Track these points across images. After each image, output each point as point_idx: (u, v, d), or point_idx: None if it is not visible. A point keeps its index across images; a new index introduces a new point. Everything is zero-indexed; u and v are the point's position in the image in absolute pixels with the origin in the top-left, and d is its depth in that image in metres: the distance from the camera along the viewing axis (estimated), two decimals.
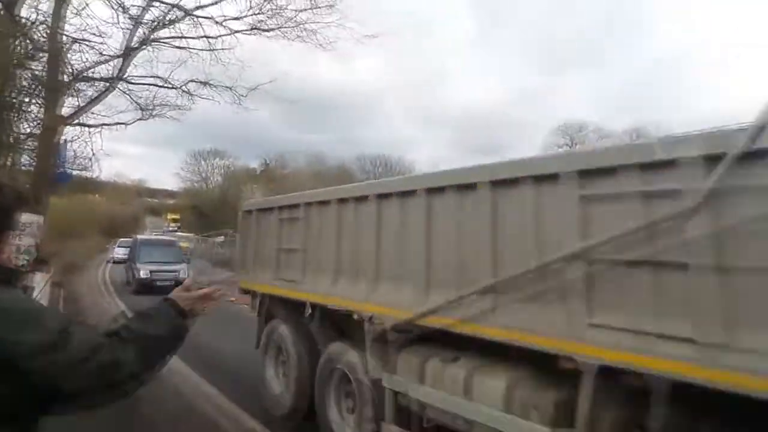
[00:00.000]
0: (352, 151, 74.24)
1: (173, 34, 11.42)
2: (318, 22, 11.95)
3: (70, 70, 10.04)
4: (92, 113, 11.02)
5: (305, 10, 11.75)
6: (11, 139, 9.03)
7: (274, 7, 11.57)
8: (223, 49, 11.45)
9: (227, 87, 11.98)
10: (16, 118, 9.16)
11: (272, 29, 11.82)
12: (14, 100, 8.87)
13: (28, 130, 10.09)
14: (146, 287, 16.52)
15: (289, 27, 11.84)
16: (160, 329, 1.41)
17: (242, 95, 12.16)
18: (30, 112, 9.76)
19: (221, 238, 36.06)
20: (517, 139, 75.95)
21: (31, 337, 1.18)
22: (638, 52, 63.08)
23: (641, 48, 62.05)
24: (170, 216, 59.39)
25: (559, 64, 72.13)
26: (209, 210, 56.39)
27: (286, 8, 11.64)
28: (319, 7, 11.77)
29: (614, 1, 68.30)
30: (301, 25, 11.89)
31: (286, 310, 5.84)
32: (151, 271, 17.50)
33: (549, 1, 71.33)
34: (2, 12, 7.88)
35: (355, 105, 78.47)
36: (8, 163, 9.46)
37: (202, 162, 59.49)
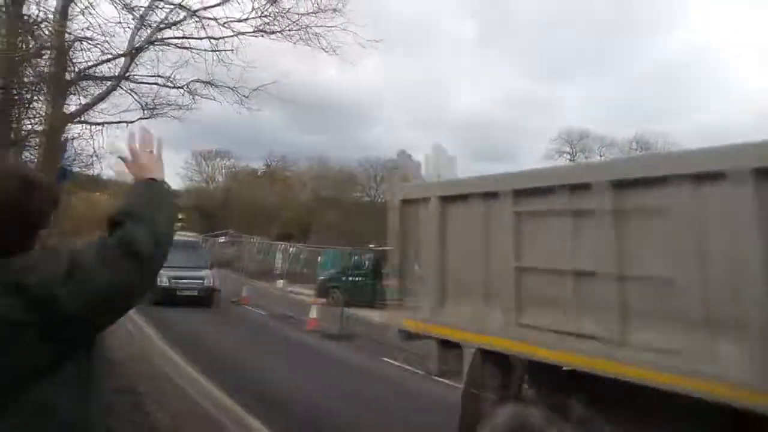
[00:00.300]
0: (355, 153, 74.03)
1: (177, 35, 11.45)
2: (322, 26, 11.97)
3: (75, 68, 10.08)
4: (96, 111, 11.07)
5: (310, 13, 11.78)
6: (16, 136, 9.06)
7: (278, 10, 11.60)
8: (226, 50, 11.48)
9: (230, 87, 12.01)
10: (23, 116, 9.21)
11: (276, 32, 11.84)
12: (19, 97, 8.91)
13: (32, 127, 10.14)
14: (167, 297, 14.71)
15: (293, 30, 11.86)
16: (144, 199, 1.46)
17: (245, 96, 12.19)
18: (34, 108, 9.80)
19: (223, 239, 36.10)
20: (519, 145, 76.02)
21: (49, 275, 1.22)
22: (643, 59, 63.09)
23: (647, 54, 62.04)
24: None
25: (563, 70, 72.10)
26: (212, 210, 56.47)
27: (290, 11, 11.67)
28: (324, 11, 11.80)
29: (619, 9, 68.31)
30: (306, 29, 11.91)
31: (543, 384, 3.52)
32: (172, 279, 15.26)
33: (554, 7, 71.26)
34: (10, 8, 7.90)
35: (358, 107, 78.47)
36: None
37: (204, 162, 59.61)
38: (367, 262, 21.25)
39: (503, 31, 73.28)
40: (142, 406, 6.48)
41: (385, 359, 10.88)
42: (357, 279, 19.96)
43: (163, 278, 14.88)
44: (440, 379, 9.54)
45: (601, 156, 52.10)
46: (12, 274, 1.21)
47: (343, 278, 19.44)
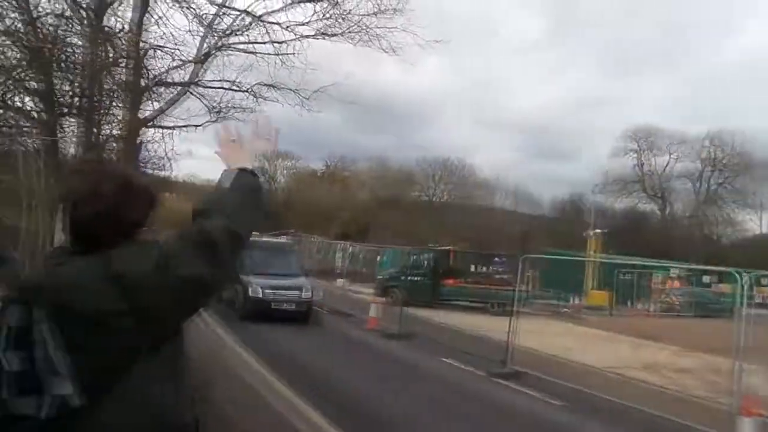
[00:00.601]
0: (414, 153, 74.00)
1: (243, 40, 11.84)
2: (383, 27, 12.07)
3: (149, 75, 10.63)
4: (168, 115, 11.61)
5: (370, 14, 11.90)
6: (96, 139, 9.66)
7: (339, 12, 11.78)
8: (289, 53, 11.76)
9: (292, 90, 12.29)
10: (103, 121, 9.81)
11: (337, 34, 12.03)
12: (99, 103, 9.49)
13: (111, 131, 10.77)
14: (260, 311, 12.85)
15: (354, 32, 12.02)
16: (228, 190, 1.51)
17: (306, 98, 12.44)
18: (113, 114, 10.41)
19: (285, 238, 36.90)
20: (584, 144, 73.73)
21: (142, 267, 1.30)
22: (716, 54, 59.70)
23: (720, 49, 58.69)
24: None
25: (630, 67, 69.44)
26: (274, 210, 57.89)
27: (351, 13, 11.82)
28: (384, 12, 11.88)
29: (691, 3, 64.92)
30: (366, 30, 12.04)
31: None
32: (266, 289, 13.14)
33: (621, 4, 68.63)
34: (92, 21, 8.42)
35: (418, 107, 78.44)
36: None
37: (267, 163, 61.21)
38: (426, 262, 21.19)
39: (569, 29, 71.27)
40: (211, 398, 6.75)
41: (444, 359, 10.84)
42: (416, 278, 19.95)
43: (256, 288, 12.91)
44: (497, 380, 9.44)
45: (670, 154, 49.78)
46: (111, 264, 1.29)
47: (403, 277, 19.49)
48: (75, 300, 1.27)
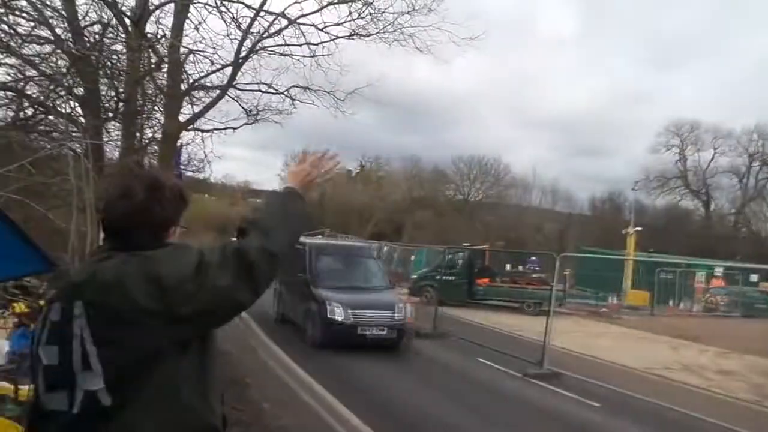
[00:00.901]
0: (447, 153, 73.53)
1: (278, 42, 12.05)
2: (417, 26, 12.10)
3: (188, 79, 10.94)
4: (205, 118, 11.91)
5: (404, 13, 11.95)
6: (138, 143, 10.00)
7: (373, 11, 11.86)
8: (323, 55, 11.91)
9: (327, 91, 12.44)
10: (144, 125, 10.16)
11: (371, 34, 12.12)
12: (141, 108, 9.83)
13: (152, 135, 11.13)
14: (344, 339, 9.93)
15: (387, 31, 12.09)
16: (273, 209, 1.59)
17: (341, 99, 12.58)
18: (155, 118, 10.77)
19: (319, 238, 37.25)
20: (623, 140, 71.94)
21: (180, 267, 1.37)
22: (764, 44, 57.41)
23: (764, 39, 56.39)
24: None
25: (671, 59, 67.33)
26: (308, 210, 58.35)
27: (385, 12, 11.89)
28: (418, 10, 11.92)
29: None
30: (400, 29, 12.10)
31: None
32: (351, 311, 9.99)
33: None
34: (134, 28, 8.72)
35: (452, 106, 77.93)
36: None
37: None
38: (460, 261, 21.10)
39: (606, 21, 69.60)
40: (248, 395, 6.93)
41: (479, 359, 10.80)
42: (450, 278, 19.87)
43: (337, 308, 9.93)
44: (534, 381, 9.36)
45: (715, 149, 48.17)
46: (149, 265, 1.35)
47: (437, 277, 19.42)
48: (112, 297, 1.32)
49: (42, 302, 3.49)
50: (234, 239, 1.49)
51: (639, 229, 30.49)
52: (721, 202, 49.93)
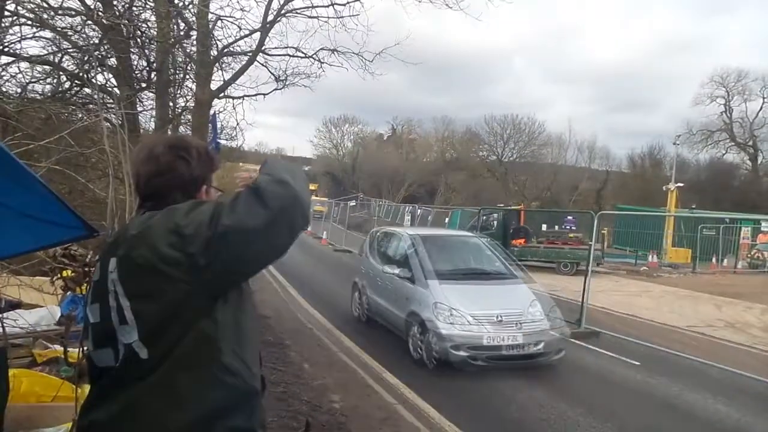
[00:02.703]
0: (480, 113, 72.28)
1: (304, 4, 11.87)
2: None
3: (217, 46, 10.92)
4: (236, 85, 11.92)
5: None
6: (172, 114, 10.11)
7: None
8: (350, 15, 11.67)
9: (355, 53, 12.25)
10: (177, 95, 10.25)
11: None
12: (173, 78, 9.89)
13: (185, 104, 11.23)
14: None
15: None
16: (274, 164, 1.48)
17: (369, 60, 12.38)
18: (186, 87, 10.83)
19: (353, 203, 37.52)
20: (664, 93, 69.18)
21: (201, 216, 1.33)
22: None
23: None
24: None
25: (716, 4, 63.69)
26: (342, 175, 58.76)
27: None
28: None
29: None
30: None
31: None
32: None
33: None
34: None
35: (484, 64, 76.16)
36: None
37: (333, 129, 61.87)
38: (495, 222, 20.92)
39: None
40: (288, 356, 7.11)
41: None
42: (485, 239, 19.75)
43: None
44: (572, 340, 9.31)
45: (764, 98, 45.84)
46: (171, 215, 1.37)
47: None
48: (139, 249, 1.35)
49: (86, 268, 3.61)
50: None
51: (680, 185, 29.52)
52: None
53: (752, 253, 24.93)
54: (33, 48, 9.30)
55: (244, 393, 1.40)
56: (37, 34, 7.56)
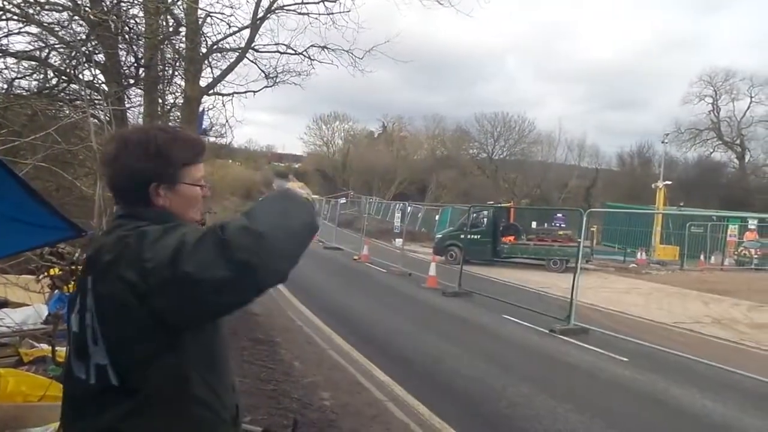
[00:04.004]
0: (471, 110, 72.36)
1: (294, 1, 11.81)
2: None
3: (206, 43, 10.84)
4: (225, 82, 11.85)
5: None
6: (161, 110, 10.02)
7: None
8: (341, 12, 11.64)
9: (345, 50, 12.22)
10: (166, 91, 10.15)
11: None
12: (162, 74, 9.80)
13: (174, 101, 11.14)
14: None
15: None
16: (269, 198, 1.38)
17: (359, 57, 12.35)
18: (174, 83, 10.74)
19: (344, 200, 37.45)
20: (653, 93, 69.68)
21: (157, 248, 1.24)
22: None
23: None
24: (290, 185, 59.32)
25: (706, 4, 64.21)
26: (332, 172, 58.63)
27: None
28: None
29: None
30: None
31: None
32: None
33: None
34: None
35: (475, 62, 76.21)
36: None
37: (324, 126, 61.66)
38: (485, 220, 20.98)
39: None
40: (278, 354, 7.10)
41: (506, 317, 10.84)
42: (475, 236, 19.83)
43: None
44: (561, 337, 9.38)
45: (751, 97, 46.30)
46: (140, 244, 1.27)
47: (462, 236, 19.39)
48: (109, 275, 1.29)
49: (73, 267, 3.57)
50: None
51: (669, 183, 29.79)
52: (757, 153, 48.33)
53: (739, 250, 25.21)
54: (19, 43, 9.16)
55: (214, 425, 1.37)
56: (23, 30, 7.48)
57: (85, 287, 1.36)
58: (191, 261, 1.17)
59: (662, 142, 36.51)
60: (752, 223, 26.15)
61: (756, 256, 23.87)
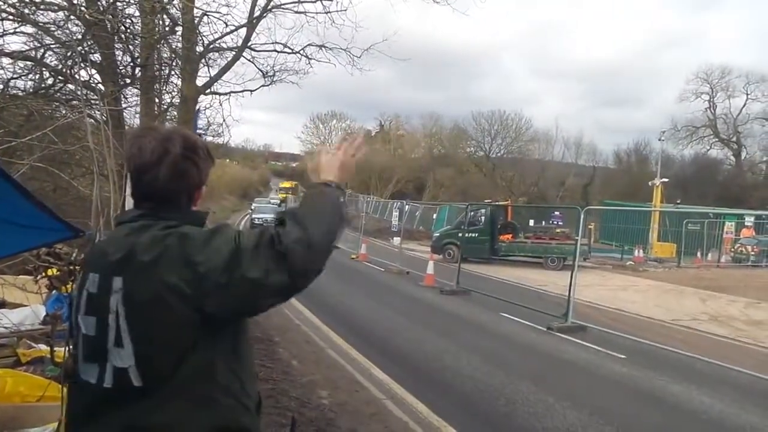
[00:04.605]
0: (468, 108, 72.25)
1: (291, 0, 11.79)
2: None
3: (203, 42, 10.82)
4: (222, 81, 11.83)
5: None
6: (158, 109, 10.00)
7: None
8: (338, 11, 11.63)
9: (342, 49, 12.21)
10: (163, 91, 10.13)
11: None
12: (159, 73, 9.78)
13: (171, 100, 11.12)
14: None
15: None
16: (310, 203, 1.43)
17: (357, 56, 12.35)
18: (171, 83, 10.72)
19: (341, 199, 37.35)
20: (650, 90, 69.82)
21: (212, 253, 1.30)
22: None
23: None
24: (282, 185, 56.38)
25: (702, 2, 64.30)
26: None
27: None
28: None
29: None
30: None
31: None
32: None
33: None
34: None
35: (472, 60, 76.26)
36: None
37: (321, 125, 61.67)
38: (482, 218, 21.01)
39: None
40: (276, 353, 7.10)
41: (504, 314, 10.86)
42: (473, 234, 19.85)
43: None
44: (559, 334, 9.40)
45: (747, 94, 46.42)
46: (187, 247, 1.31)
47: (459, 234, 19.40)
48: (149, 277, 1.30)
49: (72, 267, 3.57)
50: (272, 226, 1.37)
51: (665, 180, 29.84)
52: (753, 150, 48.50)
53: (736, 247, 25.30)
54: (15, 43, 9.14)
55: (239, 413, 1.39)
56: (18, 30, 7.44)
57: (108, 288, 1.34)
58: (253, 268, 1.27)
59: (659, 140, 36.56)
60: (749, 220, 26.26)
61: (752, 252, 23.96)
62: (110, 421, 1.31)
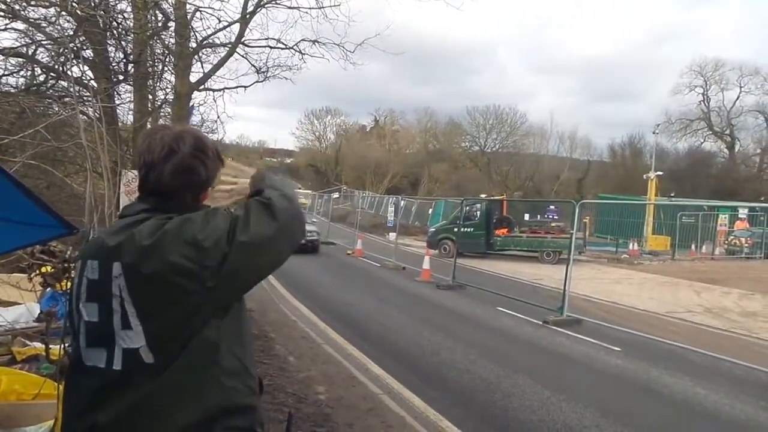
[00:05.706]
0: (462, 103, 72.21)
1: None
2: None
3: (196, 38, 10.75)
4: (216, 77, 11.75)
5: None
6: (152, 106, 9.94)
7: None
8: (331, 6, 11.57)
9: (336, 44, 12.15)
10: (157, 87, 10.07)
11: None
12: (152, 69, 9.72)
13: (165, 97, 11.05)
14: None
15: None
16: (272, 177, 1.66)
17: (351, 51, 12.29)
18: (164, 79, 10.65)
19: (337, 195, 37.43)
20: (644, 84, 69.91)
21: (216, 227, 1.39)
22: None
23: None
24: None
25: None
26: (325, 167, 58.53)
27: None
28: None
29: None
30: None
31: None
32: None
33: None
34: None
35: (466, 55, 76.17)
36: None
37: (316, 121, 61.52)
38: (478, 212, 21.03)
39: None
40: (272, 349, 7.10)
41: (500, 308, 10.89)
42: (468, 229, 19.87)
43: None
44: (554, 328, 9.44)
45: (741, 87, 46.57)
46: (188, 227, 1.37)
47: (455, 229, 19.42)
48: (150, 258, 1.33)
49: (66, 264, 3.55)
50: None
51: (660, 173, 29.95)
52: (746, 142, 48.69)
53: (729, 239, 25.43)
54: (6, 40, 9.09)
55: (242, 394, 1.43)
56: (9, 26, 7.39)
57: (108, 274, 1.37)
58: (246, 231, 1.38)
59: (653, 133, 36.74)
60: (742, 213, 26.39)
61: (746, 245, 24.09)
62: (119, 403, 1.33)
